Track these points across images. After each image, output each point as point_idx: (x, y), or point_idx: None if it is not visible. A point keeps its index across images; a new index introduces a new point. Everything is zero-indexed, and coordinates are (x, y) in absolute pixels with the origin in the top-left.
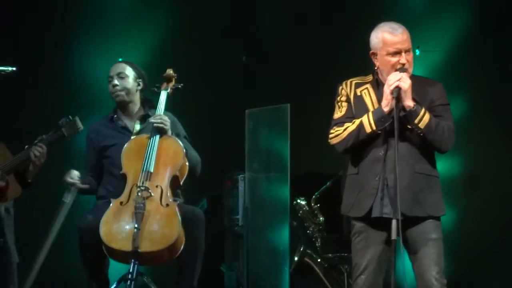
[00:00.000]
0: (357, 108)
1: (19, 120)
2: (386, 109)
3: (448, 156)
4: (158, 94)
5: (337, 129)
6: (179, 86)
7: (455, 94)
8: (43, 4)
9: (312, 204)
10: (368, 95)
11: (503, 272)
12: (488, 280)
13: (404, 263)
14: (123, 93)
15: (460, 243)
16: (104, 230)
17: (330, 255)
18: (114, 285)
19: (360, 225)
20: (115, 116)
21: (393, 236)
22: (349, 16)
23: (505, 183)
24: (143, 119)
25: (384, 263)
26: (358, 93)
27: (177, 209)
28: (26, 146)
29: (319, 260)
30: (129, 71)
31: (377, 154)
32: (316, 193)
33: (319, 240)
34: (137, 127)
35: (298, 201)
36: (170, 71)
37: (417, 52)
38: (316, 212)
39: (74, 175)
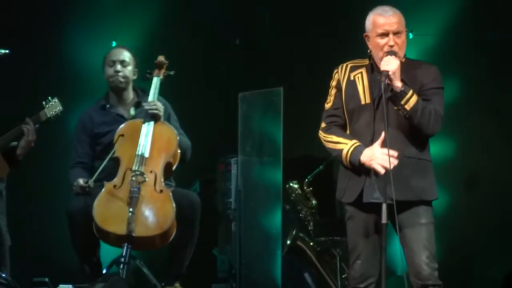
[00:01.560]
0: (347, 94)
1: (11, 104)
2: (361, 160)
3: (441, 140)
4: (150, 80)
5: (324, 132)
6: (171, 73)
7: (448, 78)
8: None
9: (305, 188)
10: (360, 79)
11: (497, 256)
12: (482, 264)
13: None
14: (123, 80)
15: (453, 228)
16: (97, 212)
17: (322, 238)
18: (106, 269)
19: (352, 210)
20: (108, 105)
21: (383, 220)
22: (339, 4)
23: (499, 166)
24: (137, 106)
25: (379, 246)
26: (352, 78)
27: (170, 195)
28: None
29: (311, 243)
30: (131, 60)
31: (364, 140)
32: (308, 177)
33: (311, 223)
34: (132, 112)
35: (291, 184)
36: (161, 58)
37: (410, 35)
38: (308, 195)
39: (81, 181)
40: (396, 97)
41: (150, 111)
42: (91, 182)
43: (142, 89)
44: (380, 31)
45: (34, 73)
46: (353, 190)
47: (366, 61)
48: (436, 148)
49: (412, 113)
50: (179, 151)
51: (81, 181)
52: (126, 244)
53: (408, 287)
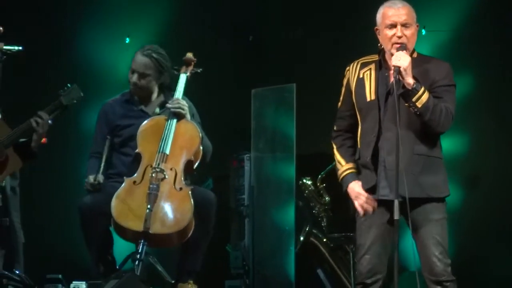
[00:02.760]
0: (357, 92)
1: (24, 101)
2: (347, 191)
3: (453, 136)
4: (177, 76)
5: (332, 140)
6: (198, 71)
7: (462, 74)
8: None
9: (318, 184)
10: (369, 76)
11: (509, 254)
12: (493, 261)
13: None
14: (140, 90)
15: (465, 225)
16: (116, 206)
17: (335, 234)
18: (120, 265)
19: None
20: (132, 100)
21: (396, 216)
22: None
23: (511, 164)
24: (163, 105)
25: (389, 243)
26: (361, 75)
27: (190, 194)
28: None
29: (324, 240)
30: (151, 70)
31: (369, 138)
32: (322, 173)
33: (324, 220)
34: (157, 111)
35: (304, 181)
36: (190, 55)
37: (423, 31)
38: (322, 192)
39: (91, 179)
40: (407, 94)
41: (172, 109)
42: (100, 177)
43: (169, 87)
44: (388, 22)
45: (46, 70)
46: (366, 183)
47: (376, 57)
48: (448, 145)
49: (423, 110)
50: (201, 148)
51: (91, 178)
52: (142, 241)
53: (420, 283)
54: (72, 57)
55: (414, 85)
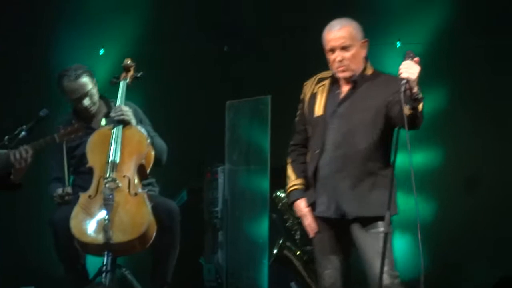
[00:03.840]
0: (309, 107)
1: None
2: (294, 207)
3: (429, 149)
4: (118, 84)
5: (288, 154)
6: (138, 75)
7: (435, 87)
8: None
9: None
10: (320, 94)
11: (486, 264)
12: (470, 272)
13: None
14: (95, 107)
15: (441, 236)
16: (74, 225)
17: (309, 247)
18: (93, 277)
19: (318, 223)
20: (76, 119)
21: (385, 229)
22: (330, 9)
23: (486, 173)
24: (108, 116)
25: (347, 255)
26: (315, 90)
27: (145, 197)
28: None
29: (298, 252)
30: (90, 84)
31: (313, 153)
32: None
33: (298, 233)
34: (103, 123)
35: (278, 193)
36: (128, 61)
37: (398, 44)
38: None
39: (59, 191)
40: (415, 102)
41: (116, 118)
42: (67, 188)
43: (112, 100)
44: (327, 47)
45: (19, 81)
46: (308, 199)
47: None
48: (423, 158)
49: (420, 114)
50: (152, 152)
51: (59, 190)
52: (106, 252)
53: None
54: (45, 67)
55: (420, 94)
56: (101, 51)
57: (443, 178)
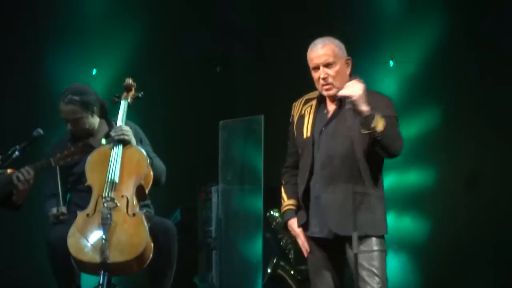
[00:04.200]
0: (297, 129)
1: None
2: (287, 227)
3: (422, 168)
4: (118, 104)
5: (282, 175)
6: (139, 95)
7: (429, 105)
8: (16, 13)
9: None
10: (308, 113)
11: (480, 279)
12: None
13: None
14: (82, 132)
15: (434, 256)
16: (71, 243)
17: (303, 267)
18: None
19: (311, 244)
20: (75, 137)
21: (355, 250)
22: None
23: (481, 191)
24: (108, 136)
25: (340, 274)
26: (303, 112)
27: (143, 218)
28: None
29: (292, 272)
30: (80, 113)
31: (303, 175)
32: None
33: (292, 252)
34: (103, 142)
35: (272, 213)
36: (129, 80)
37: (391, 63)
38: None
39: (54, 211)
40: (366, 120)
41: (116, 137)
42: (62, 208)
43: (114, 119)
44: (311, 65)
45: (12, 100)
46: (300, 219)
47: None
48: (417, 178)
49: (384, 134)
50: (151, 172)
51: (54, 210)
52: (102, 272)
53: None
54: (39, 86)
55: (371, 111)
56: (94, 71)
57: (437, 197)
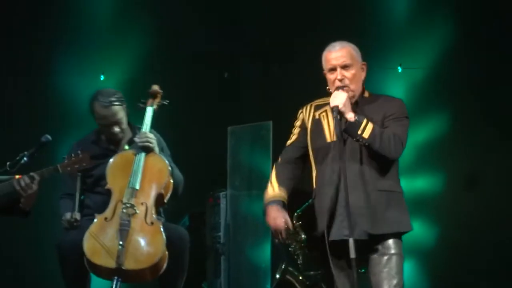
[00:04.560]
0: (314, 132)
1: None
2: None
3: (430, 174)
4: (144, 109)
5: (275, 166)
6: (165, 103)
7: (437, 111)
8: (23, 20)
9: (294, 222)
10: (325, 118)
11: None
12: None
13: None
14: (122, 134)
15: (442, 262)
16: (87, 245)
17: (312, 272)
18: None
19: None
20: (99, 140)
21: (352, 254)
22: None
23: (489, 197)
24: (131, 143)
25: (357, 282)
26: (317, 116)
27: (161, 227)
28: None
29: (300, 277)
30: (121, 112)
31: (331, 178)
32: (298, 211)
33: (301, 257)
34: (126, 148)
35: None
36: (156, 87)
37: (399, 69)
38: (297, 229)
39: (67, 216)
40: (351, 127)
41: (140, 143)
42: (76, 214)
43: (138, 126)
44: (328, 66)
45: (21, 106)
46: (319, 227)
47: (328, 99)
48: (425, 183)
49: (371, 140)
50: (171, 181)
51: (68, 215)
52: (116, 278)
53: None
54: (47, 94)
55: (356, 117)
56: (102, 77)
57: (445, 202)
